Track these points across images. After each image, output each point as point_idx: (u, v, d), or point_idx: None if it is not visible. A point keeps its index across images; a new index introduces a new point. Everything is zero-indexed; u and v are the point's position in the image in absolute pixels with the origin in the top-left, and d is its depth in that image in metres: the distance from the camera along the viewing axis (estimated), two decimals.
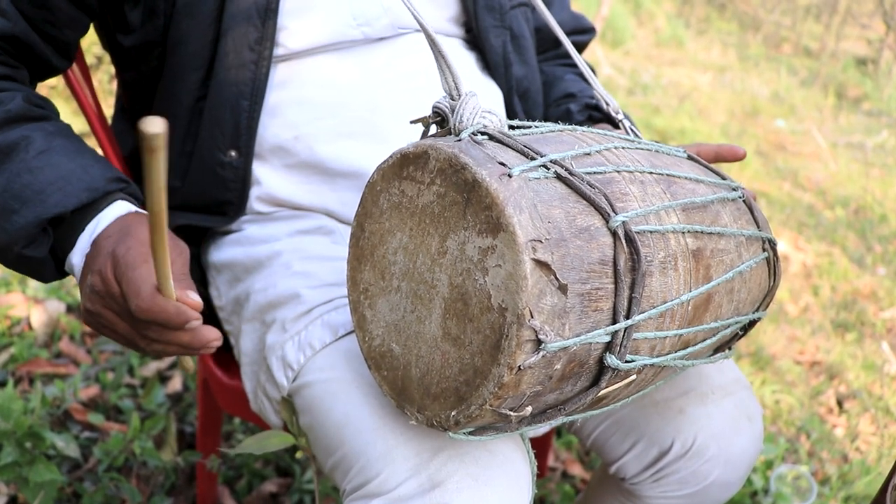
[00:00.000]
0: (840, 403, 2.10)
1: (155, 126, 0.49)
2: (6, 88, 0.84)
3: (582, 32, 1.22)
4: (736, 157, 0.97)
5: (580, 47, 1.23)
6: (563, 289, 0.59)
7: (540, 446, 1.42)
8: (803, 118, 5.22)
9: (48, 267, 0.83)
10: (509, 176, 0.61)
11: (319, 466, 0.84)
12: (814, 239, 3.22)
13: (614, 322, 0.63)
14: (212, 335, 0.74)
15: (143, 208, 0.84)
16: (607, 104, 0.91)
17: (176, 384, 1.69)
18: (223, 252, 0.99)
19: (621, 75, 5.21)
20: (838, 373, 2.22)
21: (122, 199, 0.84)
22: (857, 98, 6.17)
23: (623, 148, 0.74)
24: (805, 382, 2.16)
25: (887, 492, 0.80)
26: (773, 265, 0.82)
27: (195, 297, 0.74)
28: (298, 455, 0.84)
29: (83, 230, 0.81)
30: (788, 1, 8.45)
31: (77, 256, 0.81)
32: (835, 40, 7.72)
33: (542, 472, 1.51)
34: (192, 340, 0.74)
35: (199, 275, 1.02)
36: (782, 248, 3.02)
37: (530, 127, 0.73)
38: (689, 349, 0.73)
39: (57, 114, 0.88)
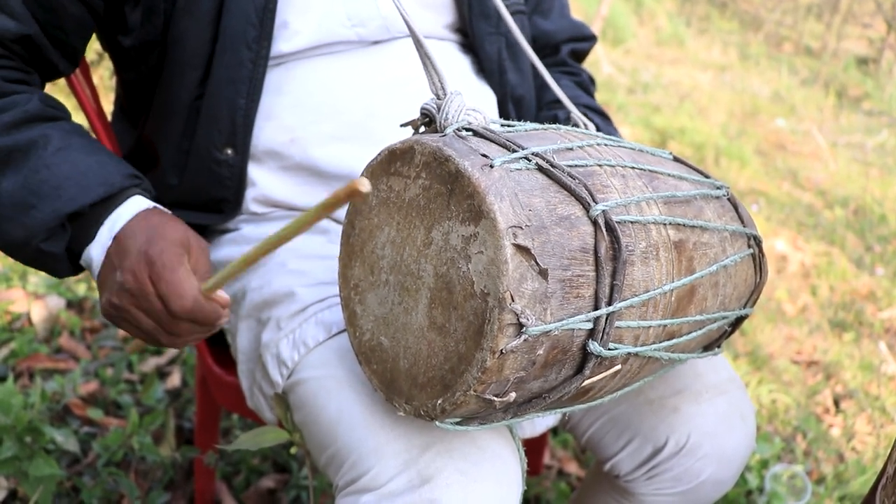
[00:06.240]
0: (837, 403, 2.11)
1: (366, 186, 0.53)
2: (22, 91, 0.85)
3: (582, 40, 1.22)
4: None
5: (581, 55, 1.23)
6: (543, 274, 0.61)
7: (536, 444, 1.43)
8: (803, 118, 5.22)
9: (63, 262, 0.84)
10: (491, 166, 0.62)
11: (314, 462, 0.85)
12: (813, 239, 3.22)
13: (596, 309, 0.64)
14: (224, 318, 0.80)
15: (158, 203, 0.87)
16: (585, 125, 0.91)
17: (175, 380, 1.69)
18: (220, 251, 1.00)
19: (622, 74, 5.21)
20: (835, 373, 2.23)
21: (138, 194, 0.85)
22: (857, 98, 6.16)
23: (605, 145, 0.75)
24: (802, 382, 2.17)
25: (877, 491, 0.80)
26: (758, 262, 0.83)
27: (224, 295, 0.78)
28: (294, 451, 0.85)
29: (101, 224, 0.82)
30: (790, 0, 8.45)
31: (96, 250, 0.82)
32: (836, 40, 7.71)
33: (537, 470, 1.52)
34: (213, 330, 0.80)
35: None
36: (781, 247, 3.02)
37: (514, 125, 0.74)
38: (675, 341, 0.74)
39: (69, 115, 0.90)
